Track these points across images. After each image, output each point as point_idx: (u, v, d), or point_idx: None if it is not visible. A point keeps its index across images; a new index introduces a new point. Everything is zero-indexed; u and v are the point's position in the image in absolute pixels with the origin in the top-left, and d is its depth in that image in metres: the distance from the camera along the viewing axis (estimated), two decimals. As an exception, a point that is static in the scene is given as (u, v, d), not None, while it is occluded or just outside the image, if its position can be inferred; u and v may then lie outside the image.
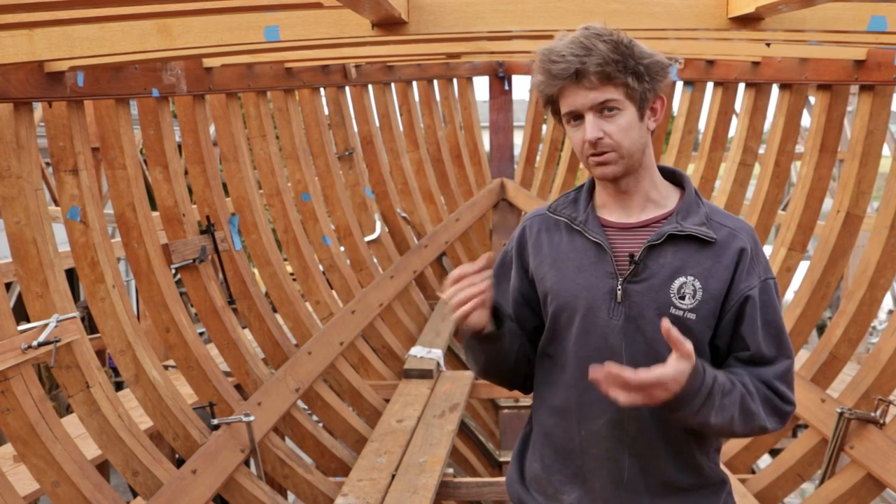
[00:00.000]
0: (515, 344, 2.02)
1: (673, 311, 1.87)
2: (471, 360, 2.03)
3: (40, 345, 3.59)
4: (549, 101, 1.93)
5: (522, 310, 2.07)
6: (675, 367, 1.72)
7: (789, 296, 7.12)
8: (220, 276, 5.47)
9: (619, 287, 1.90)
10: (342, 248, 6.96)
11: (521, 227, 2.12)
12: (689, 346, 1.72)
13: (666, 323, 1.70)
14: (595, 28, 1.86)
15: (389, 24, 3.00)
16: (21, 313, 3.97)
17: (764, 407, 1.88)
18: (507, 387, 2.11)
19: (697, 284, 1.88)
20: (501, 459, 6.67)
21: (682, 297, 1.88)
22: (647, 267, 1.90)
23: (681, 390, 1.73)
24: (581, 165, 8.76)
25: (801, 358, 6.30)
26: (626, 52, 1.83)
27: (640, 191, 1.96)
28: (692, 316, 1.87)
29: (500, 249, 2.28)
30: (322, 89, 6.71)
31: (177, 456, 5.81)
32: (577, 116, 1.89)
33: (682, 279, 1.88)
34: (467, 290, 1.82)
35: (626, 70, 1.83)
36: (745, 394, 1.85)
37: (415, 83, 7.94)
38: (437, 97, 8.29)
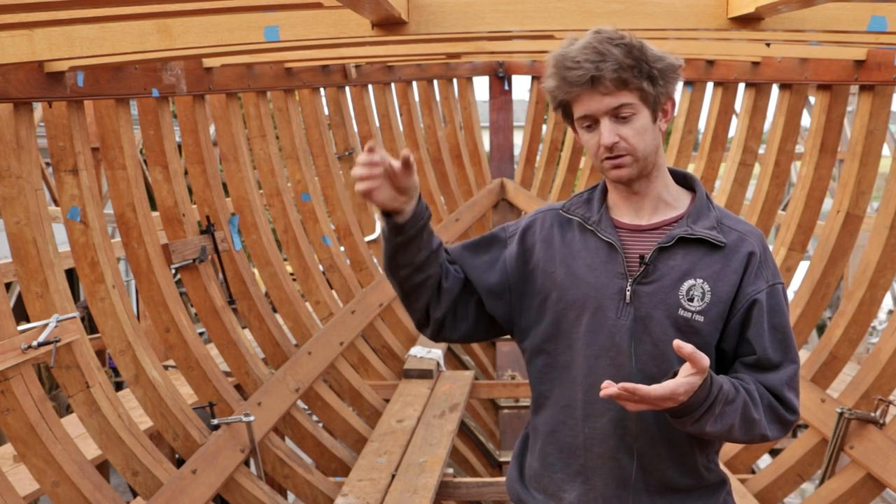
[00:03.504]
0: (433, 260, 2.00)
1: (681, 312, 1.88)
2: (382, 248, 2.03)
3: (40, 345, 3.59)
4: (560, 106, 1.93)
5: (487, 278, 2.06)
6: (688, 381, 1.74)
7: (789, 296, 7.12)
8: (220, 276, 5.48)
9: (629, 287, 1.91)
10: (342, 248, 6.96)
11: (531, 216, 2.11)
12: (705, 360, 1.73)
13: (678, 341, 1.72)
14: (606, 32, 1.86)
15: (389, 24, 3.00)
16: (21, 313, 3.97)
17: (767, 415, 1.89)
18: (405, 300, 2.09)
19: (706, 287, 1.89)
20: (501, 459, 6.67)
21: (691, 300, 1.88)
22: (657, 269, 1.91)
23: (687, 400, 1.75)
24: (582, 166, 8.81)
25: (801, 358, 6.28)
26: (639, 56, 1.84)
27: (653, 192, 1.97)
28: (700, 318, 1.88)
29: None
30: (322, 89, 6.71)
31: (177, 456, 5.81)
32: (591, 121, 1.90)
33: (691, 281, 1.89)
34: (363, 168, 1.86)
35: (640, 74, 1.85)
36: (749, 402, 1.85)
37: (415, 83, 7.94)
38: (437, 97, 8.28)
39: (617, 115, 1.86)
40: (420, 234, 1.96)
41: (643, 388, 1.71)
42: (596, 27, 1.89)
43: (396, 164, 1.88)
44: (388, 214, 1.95)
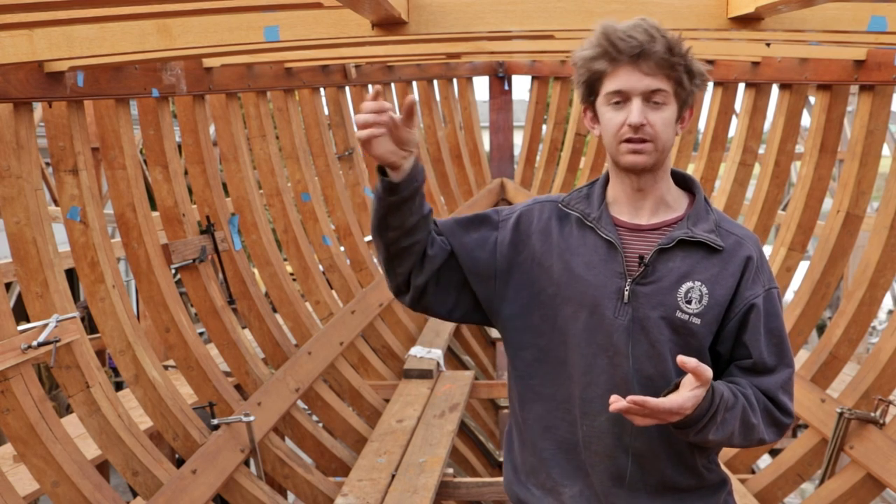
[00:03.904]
0: (422, 225, 1.96)
1: (679, 314, 1.89)
2: (372, 208, 1.99)
3: (40, 345, 3.59)
4: (591, 79, 1.91)
5: (475, 257, 2.03)
6: (693, 395, 1.75)
7: (789, 296, 7.11)
8: (220, 276, 5.48)
9: (627, 287, 1.90)
10: (342, 248, 6.97)
11: (528, 204, 2.08)
12: (709, 372, 1.74)
13: (682, 357, 1.72)
14: (652, 21, 1.88)
15: (389, 24, 3.00)
16: (21, 313, 3.97)
17: (763, 419, 1.90)
18: (387, 264, 2.03)
19: (704, 290, 1.89)
20: (501, 459, 6.66)
21: (689, 302, 1.89)
22: (656, 270, 1.91)
23: (691, 412, 1.76)
24: (582, 166, 8.81)
25: (801, 358, 6.31)
26: (683, 50, 1.87)
27: (656, 192, 1.96)
28: (697, 321, 1.89)
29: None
30: (322, 89, 6.71)
31: (177, 456, 5.81)
32: (622, 98, 1.88)
33: (689, 284, 1.89)
34: (368, 115, 1.82)
35: (682, 66, 1.87)
36: (747, 407, 1.86)
37: (415, 83, 7.94)
38: (437, 97, 8.29)
39: (650, 99, 1.86)
40: (413, 196, 1.93)
41: (652, 401, 1.72)
42: (640, 16, 1.89)
43: (398, 116, 1.85)
44: (382, 172, 1.91)
